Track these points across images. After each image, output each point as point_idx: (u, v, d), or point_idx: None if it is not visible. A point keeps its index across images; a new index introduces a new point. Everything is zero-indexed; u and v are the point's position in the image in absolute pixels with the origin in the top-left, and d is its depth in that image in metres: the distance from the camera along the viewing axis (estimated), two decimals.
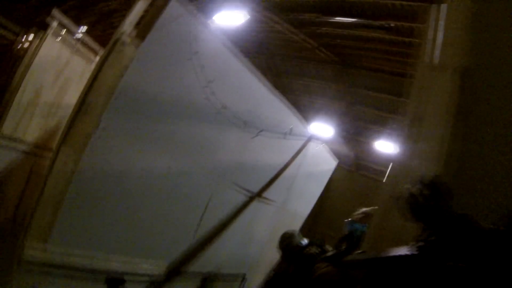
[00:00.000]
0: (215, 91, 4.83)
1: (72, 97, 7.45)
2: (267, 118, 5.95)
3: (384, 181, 12.55)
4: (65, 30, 7.45)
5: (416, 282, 1.66)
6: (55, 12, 7.19)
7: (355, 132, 14.73)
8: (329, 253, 3.10)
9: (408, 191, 1.87)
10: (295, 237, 4.24)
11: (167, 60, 4.24)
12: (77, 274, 4.24)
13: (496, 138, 2.28)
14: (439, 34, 3.01)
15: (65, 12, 7.57)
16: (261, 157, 6.29)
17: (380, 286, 1.88)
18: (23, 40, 7.58)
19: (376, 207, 3.27)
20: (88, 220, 4.22)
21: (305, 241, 4.12)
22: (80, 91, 4.25)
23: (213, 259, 6.25)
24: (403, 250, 1.78)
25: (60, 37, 7.35)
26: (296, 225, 8.32)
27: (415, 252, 1.69)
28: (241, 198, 6.28)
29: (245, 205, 6.35)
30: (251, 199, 6.43)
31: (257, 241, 7.32)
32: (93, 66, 7.20)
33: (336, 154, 9.37)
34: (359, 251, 2.69)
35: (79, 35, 7.93)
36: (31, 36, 7.36)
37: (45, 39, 6.98)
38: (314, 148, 7.62)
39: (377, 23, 9.27)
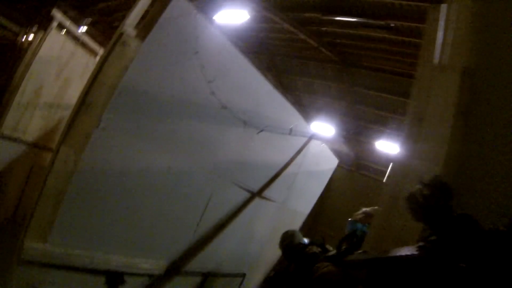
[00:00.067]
0: (217, 90, 4.83)
1: (72, 96, 7.48)
2: (268, 117, 5.95)
3: (384, 181, 12.59)
4: (65, 29, 7.46)
5: (418, 282, 1.65)
6: (56, 11, 7.20)
7: (356, 132, 14.75)
8: (331, 253, 3.11)
9: (409, 191, 1.86)
10: (296, 236, 4.25)
11: (169, 59, 4.24)
12: (77, 274, 4.24)
13: (497, 138, 2.27)
14: (441, 34, 3.01)
15: (66, 12, 7.58)
16: (262, 156, 6.29)
17: (382, 286, 1.88)
18: (23, 39, 7.60)
19: (377, 207, 3.27)
20: (88, 219, 4.22)
21: (306, 240, 4.13)
22: (81, 90, 4.25)
23: (213, 258, 6.25)
24: (404, 251, 1.78)
25: (61, 37, 7.36)
26: (296, 224, 8.32)
27: (416, 253, 1.69)
28: (241, 197, 6.28)
29: (245, 204, 6.35)
30: (251, 198, 6.43)
31: (257, 240, 7.32)
32: (93, 65, 7.21)
33: (337, 154, 9.37)
34: (360, 251, 2.69)
35: (80, 35, 7.93)
36: (31, 36, 7.37)
37: (45, 38, 7.00)
38: (315, 147, 7.61)
39: (378, 22, 9.27)
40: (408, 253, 1.75)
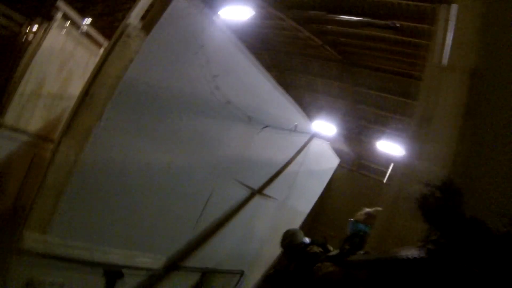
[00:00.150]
0: (220, 86, 4.80)
1: (75, 89, 7.46)
2: (271, 115, 5.93)
3: (385, 181, 12.60)
4: (69, 21, 7.43)
5: (423, 285, 1.63)
6: (60, 3, 7.17)
7: (357, 131, 14.74)
8: (333, 253, 3.09)
9: (419, 192, 1.84)
10: (297, 235, 4.25)
11: (173, 54, 4.21)
12: (76, 266, 4.23)
13: (505, 140, 2.25)
14: (448, 34, 2.98)
15: (70, 4, 7.54)
16: (263, 154, 6.27)
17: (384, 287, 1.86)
18: (27, 31, 7.57)
19: (379, 208, 3.25)
20: (88, 212, 4.21)
21: (307, 240, 4.12)
22: (84, 82, 4.23)
23: (212, 255, 6.24)
24: (410, 252, 1.75)
25: (65, 29, 7.34)
26: (296, 223, 8.31)
27: (423, 255, 1.67)
28: (242, 194, 6.26)
29: (245, 202, 6.34)
30: (252, 195, 6.41)
31: (257, 238, 7.31)
32: (97, 58, 7.18)
33: (338, 153, 9.36)
34: (362, 252, 2.67)
35: (84, 27, 7.91)
36: (35, 27, 7.34)
37: (49, 30, 6.97)
38: (316, 146, 7.60)
39: (382, 22, 9.25)
40: (414, 254, 1.72)
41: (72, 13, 7.43)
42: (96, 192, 4.18)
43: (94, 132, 3.83)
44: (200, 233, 5.75)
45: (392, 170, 12.77)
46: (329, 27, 10.75)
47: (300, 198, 8.17)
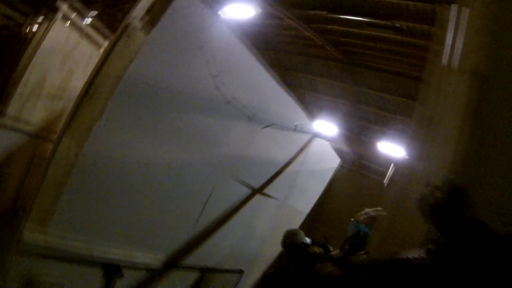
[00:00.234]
0: (224, 83, 4.79)
1: (78, 82, 7.45)
2: (273, 113, 5.92)
3: (385, 182, 12.58)
4: (74, 14, 7.42)
5: (425, 286, 1.63)
6: (61, 2, 7.16)
7: (358, 132, 14.70)
8: (334, 254, 3.08)
9: (420, 193, 1.83)
10: (298, 235, 4.24)
11: (174, 52, 4.20)
12: (75, 265, 4.22)
13: (507, 141, 2.24)
14: (451, 35, 2.97)
15: (71, 3, 7.53)
16: (265, 153, 6.26)
17: None
18: (32, 22, 7.55)
19: (381, 209, 3.24)
20: (89, 208, 4.20)
21: (308, 240, 4.12)
22: (87, 76, 4.22)
23: (211, 253, 6.23)
24: (412, 254, 1.74)
25: (69, 21, 7.33)
26: (296, 222, 8.31)
27: (425, 256, 1.66)
28: (243, 193, 6.25)
29: (246, 201, 6.33)
30: (253, 194, 6.40)
31: (257, 237, 7.30)
32: (101, 52, 7.18)
33: (339, 153, 9.35)
34: (363, 252, 2.66)
35: (89, 20, 7.90)
36: (40, 19, 7.33)
37: (54, 22, 6.96)
38: (317, 146, 7.59)
39: (383, 22, 9.22)
40: (416, 256, 1.72)
41: (77, 6, 7.42)
42: (96, 189, 4.17)
43: (95, 130, 3.82)
44: (200, 232, 5.74)
45: (392, 171, 12.76)
46: (330, 26, 10.71)
47: (300, 198, 8.16)
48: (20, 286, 3.81)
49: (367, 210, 3.50)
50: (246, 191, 6.28)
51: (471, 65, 2.58)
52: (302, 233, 4.35)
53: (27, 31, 7.56)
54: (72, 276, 4.24)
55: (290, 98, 6.30)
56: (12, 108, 6.64)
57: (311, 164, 7.68)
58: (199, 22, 4.29)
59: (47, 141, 7.47)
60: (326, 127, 12.84)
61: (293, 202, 7.86)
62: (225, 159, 5.57)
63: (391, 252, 1.97)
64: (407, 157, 2.92)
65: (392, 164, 12.65)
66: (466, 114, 2.38)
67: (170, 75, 4.26)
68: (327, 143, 8.26)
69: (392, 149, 12.40)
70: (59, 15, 7.08)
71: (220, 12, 9.05)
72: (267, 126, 5.81)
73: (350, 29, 10.48)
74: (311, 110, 13.55)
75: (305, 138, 7.20)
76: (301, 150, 7.13)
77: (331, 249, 3.79)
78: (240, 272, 7.25)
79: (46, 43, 6.92)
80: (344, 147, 14.27)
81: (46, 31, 6.97)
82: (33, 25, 7.48)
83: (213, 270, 6.45)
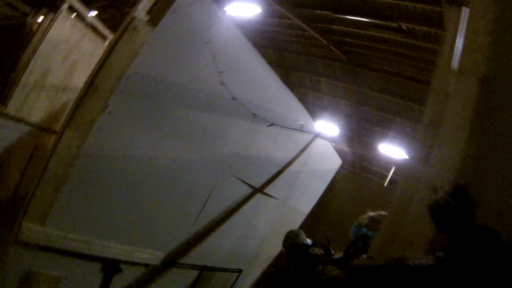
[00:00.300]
0: (226, 82, 4.76)
1: (79, 79, 7.43)
2: (275, 113, 5.90)
3: (385, 184, 12.57)
4: (75, 13, 7.41)
5: None
6: None
7: (360, 133, 14.69)
8: (337, 257, 3.06)
9: (427, 197, 1.80)
10: (300, 236, 4.24)
11: (179, 47, 4.18)
12: (73, 260, 4.20)
13: None
14: (459, 38, 2.94)
15: None
16: (266, 152, 6.24)
17: None
18: (33, 20, 7.53)
19: (383, 212, 3.22)
20: (88, 204, 4.18)
21: (309, 241, 4.12)
22: (88, 73, 4.20)
23: (210, 252, 6.21)
24: (417, 258, 1.71)
25: (70, 20, 7.31)
26: (296, 222, 8.29)
27: (431, 261, 1.63)
28: (243, 192, 6.23)
29: (246, 200, 6.30)
30: (253, 193, 6.38)
31: (257, 237, 7.28)
32: (102, 50, 7.16)
33: (340, 154, 9.33)
34: (366, 256, 2.64)
35: (90, 19, 7.88)
36: (41, 18, 7.31)
37: (55, 20, 6.94)
38: (319, 146, 7.56)
39: (389, 24, 9.19)
40: (421, 261, 1.68)
41: (78, 4, 7.40)
42: (97, 185, 4.15)
43: (97, 124, 3.80)
44: (200, 230, 5.72)
45: (393, 173, 12.75)
46: (335, 27, 10.69)
47: (301, 198, 8.14)
48: (17, 279, 3.79)
49: (370, 213, 3.48)
50: (246, 190, 6.26)
51: (476, 67, 2.55)
52: (303, 234, 4.35)
53: (31, 23, 7.54)
54: (70, 270, 4.21)
55: (293, 98, 6.28)
56: (15, 100, 6.62)
57: (312, 164, 7.65)
58: (204, 18, 4.27)
59: (49, 134, 7.44)
60: (328, 128, 12.83)
61: (294, 202, 7.84)
62: (227, 157, 5.55)
63: (396, 256, 1.94)
64: (410, 159, 2.89)
65: (393, 167, 12.65)
66: (474, 117, 2.36)
67: (174, 71, 4.24)
68: (328, 143, 8.23)
69: (392, 151, 12.39)
70: (60, 13, 7.06)
71: (225, 10, 9.04)
72: (271, 125, 5.78)
73: (355, 30, 10.45)
74: (313, 110, 13.56)
75: (306, 138, 7.17)
76: (303, 150, 7.10)
77: (333, 251, 3.78)
78: (239, 271, 7.23)
79: (50, 35, 6.90)
80: (346, 148, 14.27)
81: (51, 23, 6.95)
82: (38, 18, 7.46)
83: (212, 269, 6.43)
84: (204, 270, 6.23)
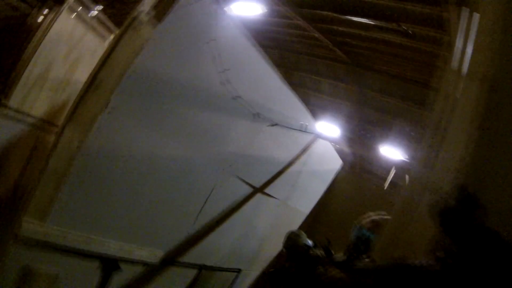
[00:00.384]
0: (230, 80, 4.75)
1: (82, 74, 7.39)
2: (277, 112, 5.89)
3: (385, 185, 12.56)
4: (81, 7, 7.38)
5: None
6: None
7: (361, 134, 14.67)
8: (338, 258, 3.06)
9: (432, 200, 1.79)
10: (301, 237, 4.24)
11: (183, 44, 4.17)
12: (72, 256, 4.19)
13: None
14: (465, 42, 2.94)
15: None
16: (268, 152, 6.23)
17: None
18: (37, 13, 7.51)
19: (384, 213, 3.21)
20: (88, 201, 4.16)
21: (310, 242, 4.12)
22: (92, 69, 4.18)
23: (210, 251, 6.20)
24: (419, 260, 1.71)
25: (75, 13, 7.29)
26: (296, 223, 8.28)
27: (433, 263, 1.62)
28: (243, 191, 6.22)
29: (247, 199, 6.29)
30: (253, 193, 6.37)
31: (256, 236, 7.27)
32: (106, 45, 7.15)
33: (340, 155, 9.32)
34: (366, 257, 2.63)
35: (95, 13, 7.86)
36: (46, 10, 7.29)
37: (60, 14, 6.92)
38: (320, 147, 7.56)
39: (392, 25, 9.18)
40: (424, 262, 1.68)
41: (79, 4, 7.38)
42: (97, 183, 4.13)
43: (98, 122, 3.78)
44: (200, 229, 5.71)
45: (393, 175, 12.74)
46: (338, 27, 10.67)
47: (301, 198, 8.13)
48: (17, 276, 3.78)
49: (371, 214, 3.47)
50: (247, 190, 6.25)
51: (480, 71, 2.54)
52: (304, 235, 4.35)
53: (32, 21, 7.52)
54: (70, 268, 4.21)
55: (294, 98, 6.27)
56: (15, 98, 6.60)
57: (313, 165, 7.65)
58: (206, 18, 4.26)
59: (49, 133, 7.43)
60: (329, 129, 12.82)
61: (294, 202, 7.83)
62: (228, 157, 5.53)
63: (397, 257, 1.94)
64: (413, 161, 2.89)
65: (394, 168, 12.64)
66: (480, 120, 2.35)
67: (178, 68, 4.23)
68: (329, 144, 8.23)
69: (393, 152, 12.37)
70: (65, 7, 7.04)
71: (227, 9, 9.03)
72: (274, 125, 5.77)
73: (357, 31, 10.43)
74: (314, 110, 13.54)
75: (307, 138, 7.17)
76: (304, 150, 7.09)
77: (333, 252, 3.78)
78: (238, 271, 7.22)
79: (51, 34, 6.88)
80: (346, 149, 14.25)
81: (52, 22, 6.94)
82: (39, 16, 7.44)
83: (211, 268, 6.42)
84: (203, 269, 6.22)
